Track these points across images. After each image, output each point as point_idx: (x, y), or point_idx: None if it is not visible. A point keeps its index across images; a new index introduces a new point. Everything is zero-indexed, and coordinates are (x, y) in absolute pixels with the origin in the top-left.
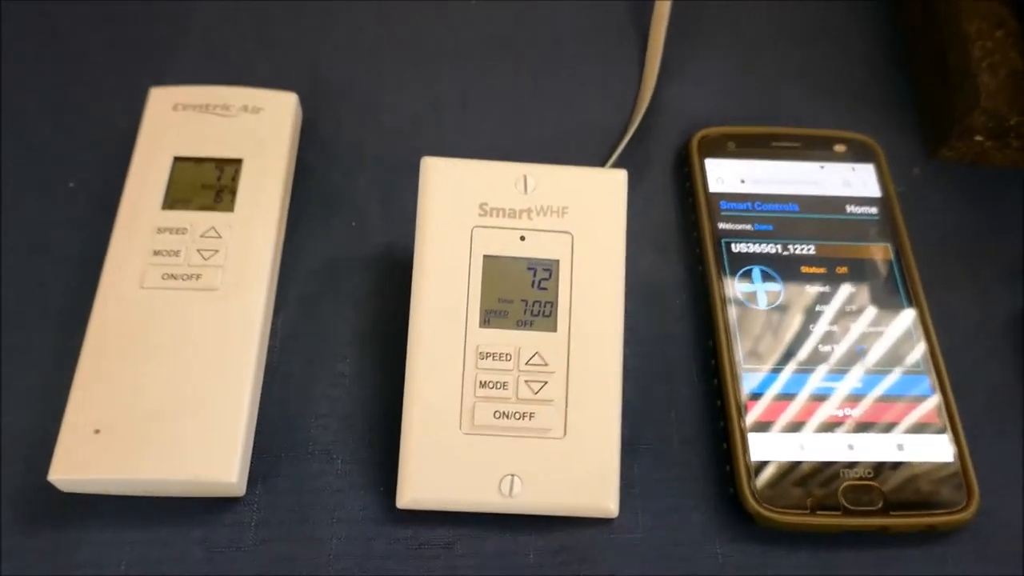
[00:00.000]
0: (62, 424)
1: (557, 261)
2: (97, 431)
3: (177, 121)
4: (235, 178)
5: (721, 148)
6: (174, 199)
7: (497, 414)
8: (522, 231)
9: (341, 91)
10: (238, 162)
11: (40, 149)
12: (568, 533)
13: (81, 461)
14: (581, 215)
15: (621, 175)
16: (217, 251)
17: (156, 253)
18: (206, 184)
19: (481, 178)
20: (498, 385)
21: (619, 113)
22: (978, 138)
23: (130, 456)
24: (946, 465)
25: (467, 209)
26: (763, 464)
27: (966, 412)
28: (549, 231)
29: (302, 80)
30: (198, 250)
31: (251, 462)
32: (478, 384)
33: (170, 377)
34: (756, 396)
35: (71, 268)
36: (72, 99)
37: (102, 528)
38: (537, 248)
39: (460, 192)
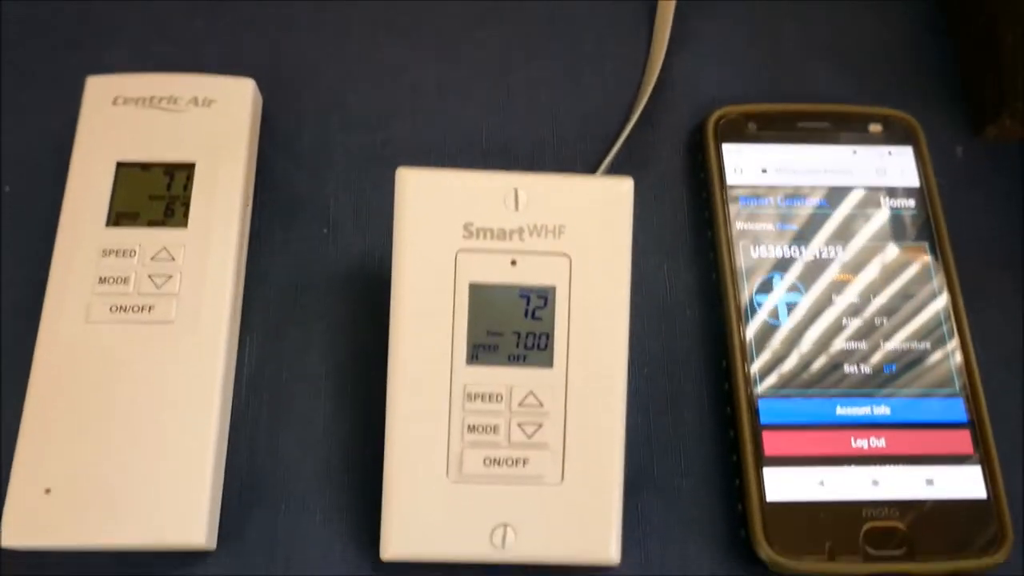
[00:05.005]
0: (9, 484)
1: (553, 288)
2: (48, 491)
3: (119, 118)
4: (187, 186)
5: (740, 131)
6: (119, 213)
7: (487, 461)
8: (513, 254)
9: (303, 77)
10: (190, 167)
11: None
12: None
13: (34, 527)
14: (580, 234)
15: (627, 184)
16: (170, 276)
17: (102, 281)
18: (154, 194)
19: (466, 193)
20: (488, 429)
21: (623, 92)
22: None
23: (86, 521)
24: (978, 503)
25: (450, 230)
26: (778, 504)
27: (1002, 442)
28: (544, 253)
29: (258, 65)
30: (149, 276)
31: (220, 515)
32: (466, 428)
33: (125, 426)
34: (772, 426)
35: (11, 294)
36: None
37: None
38: (530, 273)
39: (442, 210)
